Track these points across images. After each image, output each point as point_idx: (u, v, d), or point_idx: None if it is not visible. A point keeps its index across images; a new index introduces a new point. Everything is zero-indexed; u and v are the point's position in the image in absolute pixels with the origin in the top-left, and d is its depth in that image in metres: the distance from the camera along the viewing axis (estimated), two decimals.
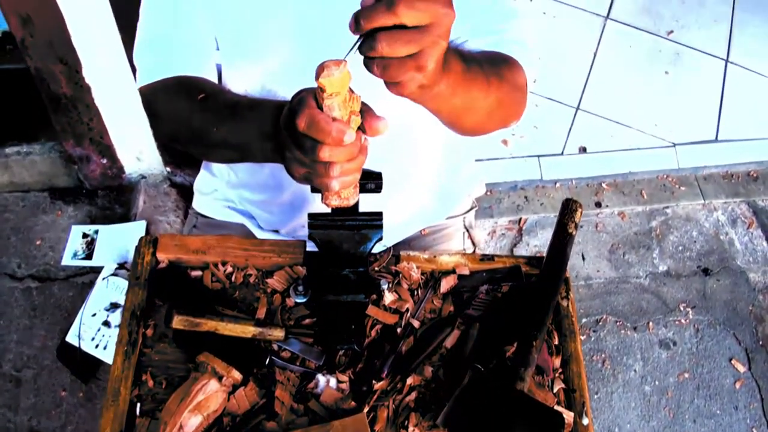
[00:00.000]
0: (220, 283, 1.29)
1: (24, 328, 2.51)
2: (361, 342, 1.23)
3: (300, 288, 1.26)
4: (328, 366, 1.20)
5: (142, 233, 2.58)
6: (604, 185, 3.10)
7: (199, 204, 1.79)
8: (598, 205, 3.04)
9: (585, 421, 1.18)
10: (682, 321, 2.78)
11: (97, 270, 2.51)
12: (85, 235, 2.63)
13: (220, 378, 1.14)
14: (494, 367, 1.18)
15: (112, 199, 2.78)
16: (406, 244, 1.71)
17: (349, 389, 1.19)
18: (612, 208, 3.05)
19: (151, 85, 1.34)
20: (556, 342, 1.26)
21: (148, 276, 1.28)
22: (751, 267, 2.96)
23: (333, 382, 1.19)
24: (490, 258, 1.34)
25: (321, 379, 1.19)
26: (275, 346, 1.22)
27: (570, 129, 3.22)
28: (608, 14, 3.65)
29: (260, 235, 1.68)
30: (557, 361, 1.24)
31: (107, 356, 2.33)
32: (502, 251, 2.89)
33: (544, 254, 1.29)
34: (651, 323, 2.76)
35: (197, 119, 1.27)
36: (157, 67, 1.33)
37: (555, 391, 1.21)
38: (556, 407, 1.17)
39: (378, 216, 1.14)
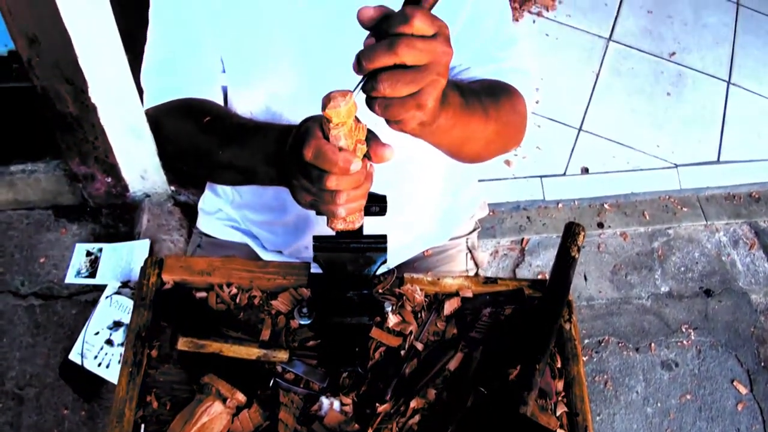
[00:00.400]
0: (225, 304, 1.30)
1: (27, 346, 2.51)
2: (365, 364, 1.23)
3: (304, 310, 1.27)
4: (332, 388, 1.21)
5: (146, 252, 2.59)
6: (606, 206, 3.11)
7: (203, 224, 1.80)
8: (601, 225, 3.05)
9: None
10: (684, 342, 2.78)
11: (100, 288, 2.52)
12: (88, 253, 2.64)
13: (224, 400, 1.14)
14: (497, 390, 1.18)
15: (116, 217, 2.79)
16: (410, 265, 1.72)
17: (353, 412, 1.19)
18: (614, 229, 3.06)
19: (157, 107, 1.35)
20: (559, 365, 1.26)
21: (154, 297, 1.29)
22: (753, 288, 2.96)
23: (337, 404, 1.19)
24: (493, 281, 1.35)
25: (325, 401, 1.19)
26: (279, 368, 1.22)
27: (572, 150, 3.23)
28: (610, 36, 3.68)
29: (264, 255, 1.69)
30: (560, 385, 1.24)
31: (110, 375, 2.33)
32: (504, 271, 2.89)
33: (547, 275, 1.30)
34: (653, 344, 2.76)
35: (203, 142, 1.28)
36: (164, 90, 1.34)
37: (558, 414, 1.21)
38: (559, 431, 1.17)
39: (382, 239, 1.14)
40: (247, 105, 1.38)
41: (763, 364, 2.75)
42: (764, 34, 3.87)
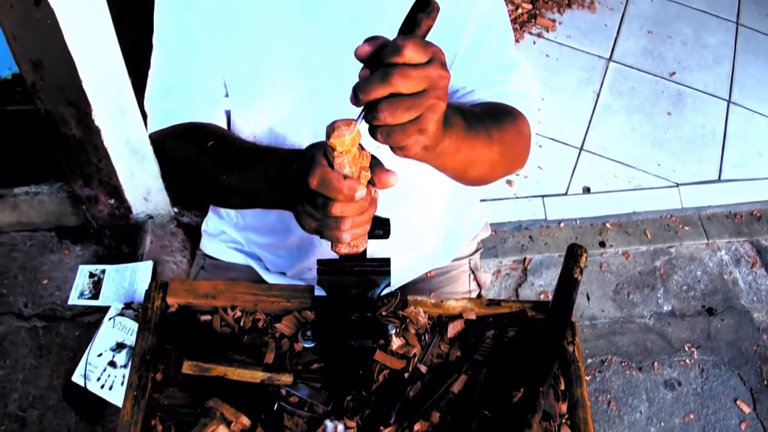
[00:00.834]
0: (230, 327, 1.30)
1: (30, 368, 2.51)
2: (369, 387, 1.24)
3: (308, 333, 1.27)
4: (336, 411, 1.21)
5: (149, 273, 2.59)
6: (608, 225, 3.12)
7: (206, 246, 1.80)
8: (603, 244, 3.05)
9: None
10: (687, 361, 2.78)
11: (103, 310, 2.52)
12: (91, 275, 2.65)
13: (228, 423, 1.15)
14: (502, 413, 1.18)
15: (119, 238, 2.80)
16: (413, 286, 1.73)
17: None
18: (616, 248, 3.06)
19: (161, 132, 1.36)
20: (563, 387, 1.26)
21: (158, 320, 1.29)
22: (756, 306, 2.96)
23: (341, 427, 1.19)
24: (496, 303, 1.35)
25: (329, 424, 1.19)
26: (283, 391, 1.22)
27: (574, 169, 3.24)
28: (611, 56, 3.70)
29: (267, 277, 1.69)
30: (564, 407, 1.24)
31: (113, 397, 2.33)
32: (507, 291, 2.89)
33: (550, 295, 1.31)
34: (656, 363, 2.76)
35: (207, 166, 1.29)
36: (168, 114, 1.35)
37: None
38: None
39: (386, 262, 1.15)
40: (250, 128, 1.40)
41: (766, 382, 2.74)
42: (764, 53, 3.89)
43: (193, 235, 2.74)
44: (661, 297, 2.95)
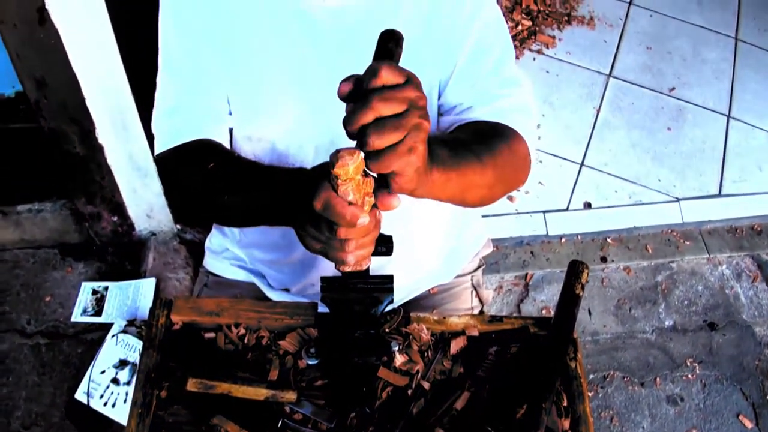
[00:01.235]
0: (233, 344, 1.31)
1: (33, 385, 2.52)
2: (373, 404, 1.24)
3: (312, 350, 1.28)
4: (340, 428, 1.21)
5: (152, 290, 2.60)
6: (609, 240, 3.12)
7: (210, 263, 1.81)
8: (604, 260, 3.06)
9: None
10: (689, 376, 2.78)
11: (106, 327, 2.53)
12: (94, 292, 2.66)
13: None
14: (504, 429, 1.19)
15: (122, 255, 2.81)
16: (416, 302, 1.73)
17: None
18: (617, 263, 3.07)
19: (168, 151, 1.38)
20: (566, 404, 1.27)
21: (163, 338, 1.30)
22: (757, 321, 2.96)
23: None
24: (498, 319, 1.36)
25: None
26: (287, 409, 1.23)
27: (574, 185, 3.25)
28: (610, 72, 3.72)
29: (270, 293, 1.70)
30: (567, 423, 1.25)
31: (116, 414, 2.33)
32: (509, 307, 2.90)
33: (552, 310, 1.31)
34: (658, 379, 2.76)
35: (212, 185, 1.30)
36: (174, 134, 1.36)
37: None
38: None
39: (389, 279, 1.16)
40: (251, 145, 1.41)
41: None
42: (763, 68, 3.91)
43: (196, 251, 2.75)
44: (662, 312, 2.95)
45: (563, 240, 3.10)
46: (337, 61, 1.31)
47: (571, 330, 1.29)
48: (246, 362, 1.29)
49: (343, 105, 1.32)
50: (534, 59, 3.72)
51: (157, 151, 1.39)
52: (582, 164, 3.33)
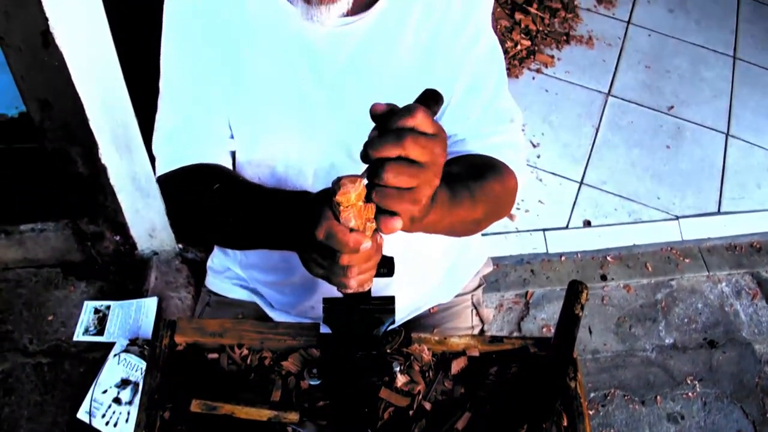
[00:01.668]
0: (236, 365, 1.32)
1: (35, 404, 2.52)
2: (375, 425, 1.25)
3: (314, 371, 1.29)
4: None
5: (154, 309, 2.61)
6: (609, 258, 3.13)
7: (212, 283, 1.82)
8: (604, 278, 3.07)
9: None
10: (690, 394, 2.78)
11: (108, 346, 2.53)
12: (96, 311, 2.67)
13: None
14: None
15: (124, 274, 2.82)
16: (416, 322, 1.74)
17: None
18: (617, 281, 3.08)
19: (169, 174, 1.39)
20: (566, 423, 1.28)
21: (166, 359, 1.31)
22: (757, 338, 2.97)
23: None
24: (499, 340, 1.37)
25: None
26: (290, 429, 1.24)
27: (574, 203, 3.27)
28: (609, 91, 3.75)
29: (272, 314, 1.71)
30: None
31: None
32: (509, 325, 2.91)
33: (552, 329, 1.32)
34: (659, 397, 2.76)
35: (213, 208, 1.31)
36: (175, 157, 1.38)
37: None
38: None
39: (390, 301, 1.17)
40: (253, 169, 1.43)
41: None
42: (761, 86, 3.93)
43: (198, 271, 2.76)
44: (662, 330, 2.96)
45: (563, 258, 3.11)
46: (336, 86, 1.33)
47: (571, 350, 1.30)
48: (249, 383, 1.30)
49: (342, 129, 1.34)
50: (533, 78, 3.74)
51: (158, 174, 1.40)
52: (581, 182, 3.35)
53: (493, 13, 1.64)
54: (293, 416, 1.22)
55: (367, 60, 1.32)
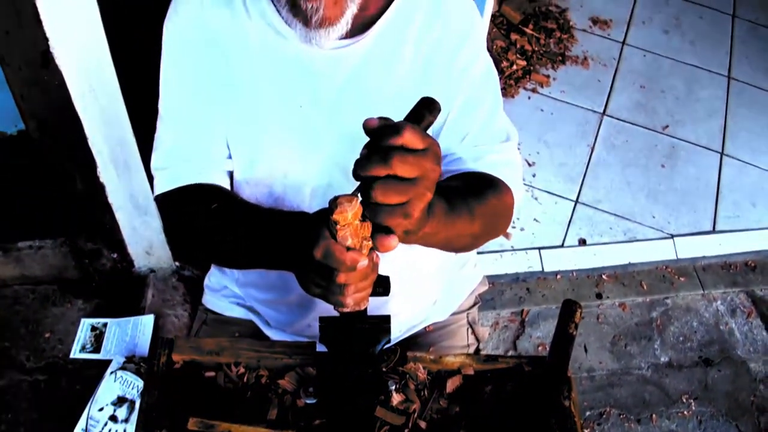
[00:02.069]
0: (233, 383, 1.33)
1: (31, 422, 2.51)
2: None
3: (310, 389, 1.30)
4: None
5: (151, 327, 2.61)
6: (604, 276, 3.15)
7: (208, 301, 1.83)
8: (599, 296, 3.08)
9: None
10: (685, 413, 2.79)
11: (105, 363, 2.53)
12: (93, 328, 2.67)
13: None
14: None
15: (121, 292, 2.82)
16: (412, 340, 1.75)
17: None
18: (613, 300, 3.09)
19: (167, 194, 1.41)
20: None
21: (163, 377, 1.32)
22: (752, 357, 2.98)
23: None
24: (494, 359, 1.38)
25: None
26: None
27: (569, 221, 3.29)
28: (604, 110, 3.77)
29: (268, 332, 1.72)
30: None
31: None
32: (505, 343, 2.91)
33: (548, 347, 1.33)
34: (654, 415, 2.77)
35: (211, 228, 1.33)
36: (173, 177, 1.39)
37: None
38: None
39: (386, 319, 1.18)
40: (251, 189, 1.44)
41: None
42: (756, 105, 3.96)
43: (194, 288, 2.77)
44: (658, 348, 2.97)
45: (559, 276, 3.12)
46: (333, 106, 1.35)
47: (565, 369, 1.31)
48: (246, 401, 1.30)
49: (340, 149, 1.36)
50: (529, 98, 3.77)
51: (155, 194, 1.42)
52: (577, 201, 3.36)
53: (489, 34, 1.67)
54: None
55: (364, 80, 1.34)
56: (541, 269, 3.12)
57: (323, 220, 0.99)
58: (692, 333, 3.03)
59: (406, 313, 1.67)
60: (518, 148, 1.47)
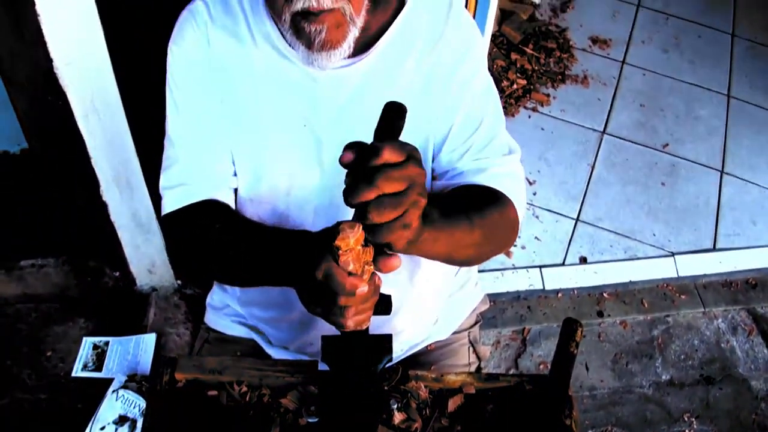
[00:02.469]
0: (236, 402, 1.33)
1: None
2: None
3: (312, 408, 1.30)
4: None
5: (152, 345, 2.62)
6: (605, 295, 3.15)
7: (210, 319, 1.84)
8: (600, 314, 3.08)
9: None
10: (687, 431, 2.78)
11: (106, 382, 2.53)
12: (95, 347, 2.67)
13: None
14: None
15: (123, 310, 2.82)
16: (414, 359, 1.76)
17: None
18: (614, 318, 3.09)
19: (174, 212, 1.41)
20: None
21: (166, 396, 1.32)
22: (753, 375, 2.97)
23: None
24: (495, 377, 1.38)
25: None
26: None
27: (570, 240, 3.29)
28: (604, 129, 3.79)
29: (270, 350, 1.72)
30: None
31: None
32: (506, 362, 2.91)
33: (549, 366, 1.34)
34: None
35: (216, 246, 1.34)
36: (181, 195, 1.40)
37: None
38: None
39: (388, 339, 1.19)
40: (254, 207, 1.45)
41: None
42: (755, 123, 3.97)
43: (196, 307, 2.77)
44: (659, 366, 2.97)
45: (560, 294, 3.12)
46: (336, 125, 1.36)
47: (567, 387, 1.31)
48: (248, 420, 1.31)
49: (342, 167, 1.37)
50: (529, 117, 3.79)
51: (164, 213, 1.43)
52: (577, 219, 3.37)
53: (489, 53, 1.68)
54: None
55: (366, 99, 1.36)
56: (542, 287, 3.12)
57: (326, 241, 1.00)
58: (693, 351, 3.03)
59: (407, 331, 1.67)
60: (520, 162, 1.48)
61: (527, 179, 3.46)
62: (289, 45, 1.31)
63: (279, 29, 1.32)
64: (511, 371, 2.85)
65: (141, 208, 2.48)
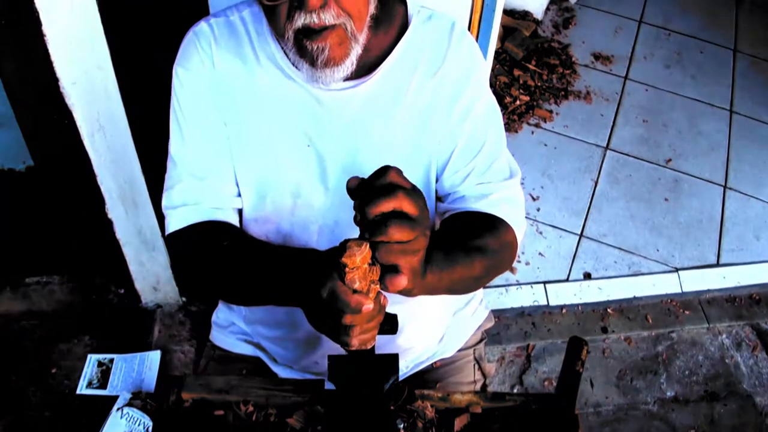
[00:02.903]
0: (242, 422, 1.33)
1: None
2: None
3: (318, 428, 1.31)
4: None
5: (157, 362, 2.61)
6: (609, 310, 3.15)
7: (216, 337, 1.84)
8: (605, 330, 3.08)
9: None
10: None
11: (111, 399, 2.53)
12: (100, 364, 2.67)
13: None
14: None
15: (128, 327, 2.82)
16: (419, 376, 1.76)
17: None
18: (618, 334, 3.09)
19: (178, 232, 1.42)
20: None
21: (173, 416, 1.33)
22: (758, 390, 2.97)
23: None
24: (501, 396, 1.39)
25: None
26: None
27: (574, 255, 3.30)
28: (608, 145, 3.80)
29: (276, 369, 1.73)
30: None
31: None
32: (511, 378, 2.91)
33: (554, 382, 1.34)
34: None
35: (220, 265, 1.35)
36: (184, 215, 1.41)
37: None
38: None
39: (394, 358, 1.20)
40: (259, 227, 1.46)
41: None
42: (758, 138, 3.98)
43: (201, 324, 2.77)
44: (664, 382, 2.96)
45: (564, 311, 3.12)
46: (340, 145, 1.37)
47: (573, 406, 1.32)
48: None
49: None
50: (532, 133, 3.80)
51: (168, 232, 1.43)
52: (581, 235, 3.38)
53: (492, 70, 1.69)
54: None
55: (369, 120, 1.37)
56: (546, 303, 3.12)
57: (332, 260, 1.01)
58: (698, 367, 3.02)
59: (413, 349, 1.68)
60: (522, 183, 1.49)
61: (531, 195, 3.47)
62: (293, 64, 1.32)
63: (283, 49, 1.33)
64: (516, 388, 2.85)
65: (146, 225, 2.48)
